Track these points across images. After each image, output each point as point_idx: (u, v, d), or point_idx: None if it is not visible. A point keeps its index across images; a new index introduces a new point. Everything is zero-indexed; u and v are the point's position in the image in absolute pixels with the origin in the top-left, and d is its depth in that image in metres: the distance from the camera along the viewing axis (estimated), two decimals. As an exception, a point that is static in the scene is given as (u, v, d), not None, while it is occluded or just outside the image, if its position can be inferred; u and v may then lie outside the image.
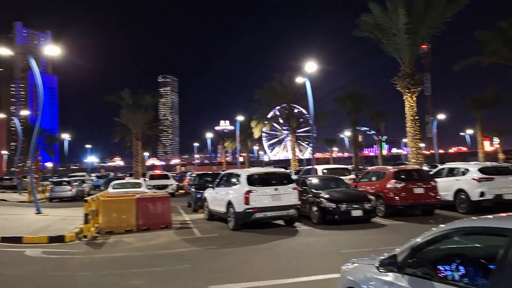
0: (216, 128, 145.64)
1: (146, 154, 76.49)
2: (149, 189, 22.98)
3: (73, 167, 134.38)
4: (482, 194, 14.32)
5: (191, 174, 33.02)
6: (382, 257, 3.59)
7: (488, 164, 17.28)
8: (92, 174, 62.12)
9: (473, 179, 14.68)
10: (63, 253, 10.38)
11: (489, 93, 31.83)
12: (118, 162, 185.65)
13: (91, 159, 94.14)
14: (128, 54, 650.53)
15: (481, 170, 14.87)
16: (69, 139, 74.03)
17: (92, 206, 13.02)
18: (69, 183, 29.39)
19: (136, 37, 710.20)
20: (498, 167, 15.95)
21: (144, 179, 29.06)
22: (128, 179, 29.90)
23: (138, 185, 21.86)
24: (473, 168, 15.27)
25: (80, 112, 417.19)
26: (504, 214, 3.02)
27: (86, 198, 13.34)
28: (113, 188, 20.79)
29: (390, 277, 3.45)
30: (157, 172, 35.91)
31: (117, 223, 13.18)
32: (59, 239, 11.68)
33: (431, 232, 3.33)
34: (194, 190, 19.12)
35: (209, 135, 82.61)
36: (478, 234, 3.16)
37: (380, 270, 3.50)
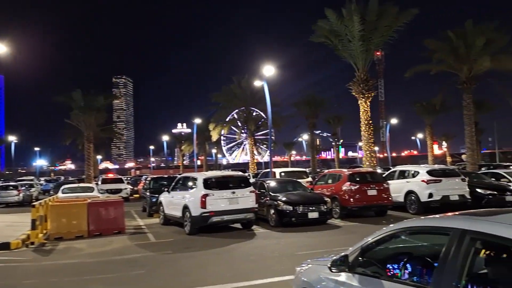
0: (173, 131, 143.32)
1: (99, 157, 74.13)
2: (102, 193, 22.24)
3: (21, 171, 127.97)
4: (430, 195, 15.00)
5: (146, 177, 32.28)
6: (334, 258, 3.64)
7: (436, 166, 18.10)
8: (41, 178, 59.38)
9: (422, 181, 15.34)
10: (8, 261, 9.82)
11: (437, 100, 33.27)
12: (69, 165, 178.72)
13: (40, 162, 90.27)
14: (80, 54, 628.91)
15: (429, 173, 15.57)
16: (16, 141, 70.74)
17: (40, 212, 12.45)
18: (15, 187, 28.29)
19: (89, 37, 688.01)
20: (445, 170, 16.77)
21: (96, 183, 28.10)
22: (86, 183, 28.82)
23: (89, 189, 21.12)
24: (422, 170, 15.96)
25: (28, 114, 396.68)
26: (450, 214, 3.14)
27: (34, 203, 12.76)
28: (63, 193, 19.95)
29: (341, 277, 3.51)
30: (110, 175, 34.80)
31: (67, 229, 12.67)
32: (4, 246, 11.05)
33: (380, 232, 3.41)
34: (149, 194, 18.71)
35: (165, 138, 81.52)
36: (424, 233, 3.28)
37: (332, 270, 3.54)
